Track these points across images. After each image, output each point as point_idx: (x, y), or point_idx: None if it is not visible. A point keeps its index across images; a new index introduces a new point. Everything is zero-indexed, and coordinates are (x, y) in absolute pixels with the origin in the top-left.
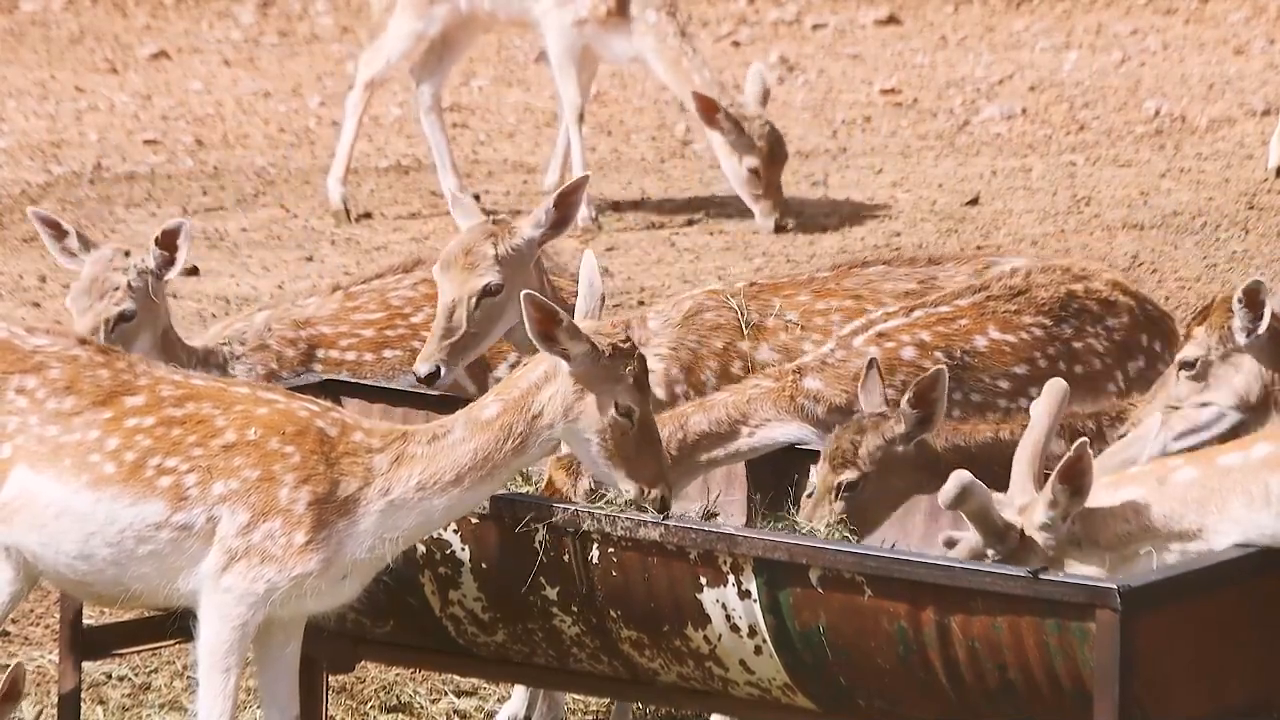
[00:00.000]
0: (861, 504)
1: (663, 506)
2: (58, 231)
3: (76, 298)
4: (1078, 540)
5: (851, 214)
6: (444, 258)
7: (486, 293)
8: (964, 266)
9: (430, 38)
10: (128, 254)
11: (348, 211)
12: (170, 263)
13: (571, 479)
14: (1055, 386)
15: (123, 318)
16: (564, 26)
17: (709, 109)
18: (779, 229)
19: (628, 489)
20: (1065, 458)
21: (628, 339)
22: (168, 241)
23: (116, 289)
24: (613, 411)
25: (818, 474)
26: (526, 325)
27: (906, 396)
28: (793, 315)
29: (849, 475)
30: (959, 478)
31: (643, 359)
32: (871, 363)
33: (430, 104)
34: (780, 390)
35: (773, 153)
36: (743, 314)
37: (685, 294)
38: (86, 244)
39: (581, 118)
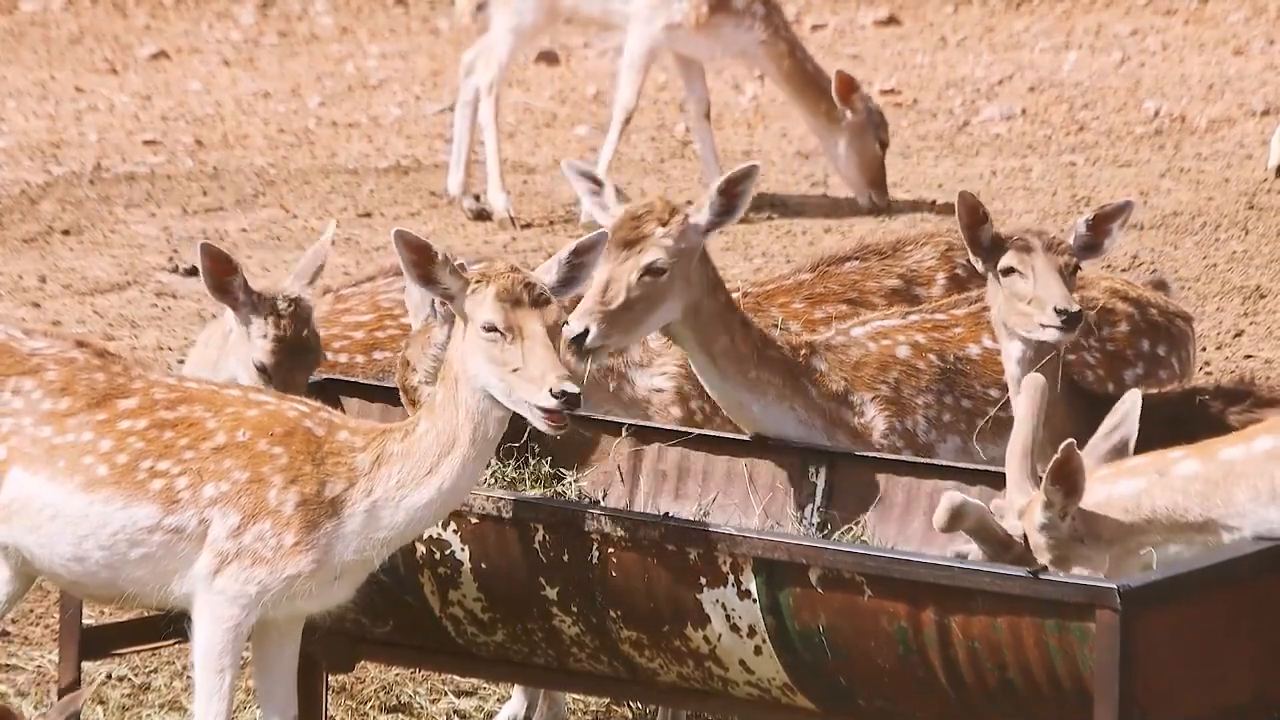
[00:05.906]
0: None
1: (569, 402)
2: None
3: None
4: (1080, 536)
5: (852, 214)
6: (613, 230)
7: (650, 270)
8: (924, 248)
9: (532, 30)
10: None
11: (513, 220)
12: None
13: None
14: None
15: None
16: (653, 30)
17: (850, 88)
18: (878, 210)
19: (532, 398)
20: (1054, 459)
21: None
22: None
23: None
24: (481, 334)
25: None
26: (402, 267)
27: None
28: (796, 326)
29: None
30: (948, 500)
31: (503, 276)
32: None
33: (470, 98)
34: (793, 361)
35: (886, 138)
36: None
37: None
38: None
39: (628, 120)
